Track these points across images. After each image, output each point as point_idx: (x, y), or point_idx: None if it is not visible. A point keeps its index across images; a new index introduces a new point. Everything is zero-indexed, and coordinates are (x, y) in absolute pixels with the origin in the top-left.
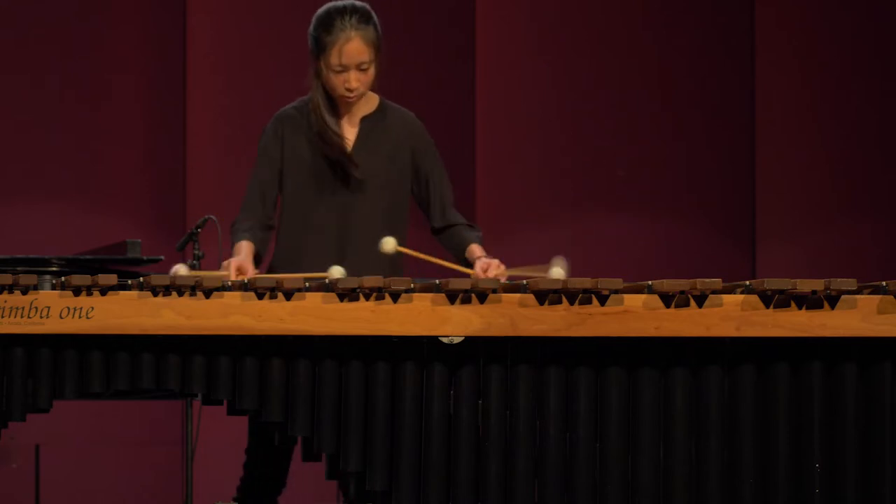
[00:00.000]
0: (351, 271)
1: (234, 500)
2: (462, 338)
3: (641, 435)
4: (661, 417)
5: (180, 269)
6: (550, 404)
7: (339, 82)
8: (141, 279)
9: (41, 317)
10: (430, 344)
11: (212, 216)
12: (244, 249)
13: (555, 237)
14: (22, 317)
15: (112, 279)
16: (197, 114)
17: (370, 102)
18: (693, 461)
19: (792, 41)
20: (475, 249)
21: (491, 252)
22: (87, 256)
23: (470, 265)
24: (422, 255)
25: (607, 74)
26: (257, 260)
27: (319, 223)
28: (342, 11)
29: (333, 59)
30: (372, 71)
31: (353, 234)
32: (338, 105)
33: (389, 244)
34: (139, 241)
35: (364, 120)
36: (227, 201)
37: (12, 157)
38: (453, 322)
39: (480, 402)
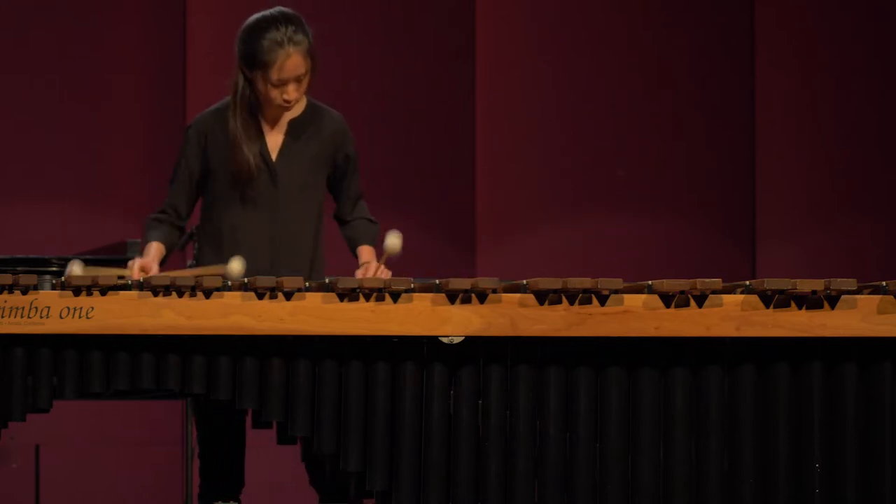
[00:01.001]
0: (278, 273)
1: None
2: (462, 338)
3: (641, 435)
4: (661, 417)
5: (75, 268)
6: (550, 404)
7: (276, 95)
8: (141, 279)
9: (41, 317)
10: (430, 344)
11: None
12: (153, 251)
13: (555, 237)
14: (22, 317)
15: (112, 279)
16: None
17: (298, 105)
18: (693, 461)
19: (792, 41)
20: (364, 252)
21: (491, 252)
22: (87, 256)
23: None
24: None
25: (607, 74)
26: (163, 261)
27: (243, 227)
28: (276, 23)
29: (274, 76)
30: (307, 79)
31: (278, 237)
32: (263, 111)
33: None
34: (139, 241)
35: (291, 123)
36: None
37: (12, 157)
38: (453, 322)
39: (480, 402)
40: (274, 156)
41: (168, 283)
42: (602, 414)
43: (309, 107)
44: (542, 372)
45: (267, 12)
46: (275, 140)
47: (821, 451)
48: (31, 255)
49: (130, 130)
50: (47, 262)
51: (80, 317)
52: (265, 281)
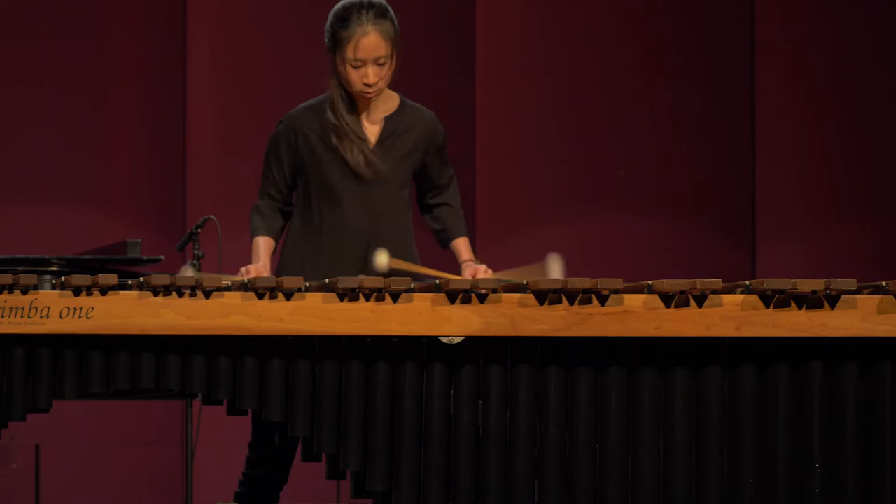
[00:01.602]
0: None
1: (236, 494)
2: (462, 338)
3: (641, 435)
4: (661, 417)
5: (188, 271)
6: (550, 404)
7: (356, 77)
8: (141, 279)
9: (41, 317)
10: (430, 344)
11: (212, 216)
12: (262, 251)
13: (555, 237)
14: (22, 317)
15: (112, 279)
16: (197, 114)
17: (391, 101)
18: (693, 461)
19: (792, 41)
20: (462, 249)
21: (491, 252)
22: (87, 256)
23: (447, 248)
24: (414, 268)
25: (607, 74)
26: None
27: (338, 222)
28: (359, 6)
29: (351, 54)
30: (389, 66)
31: (375, 232)
32: (357, 103)
33: (382, 260)
34: (139, 241)
35: (387, 119)
36: (227, 201)
37: (12, 157)
38: (453, 322)
39: (480, 402)
40: (369, 150)
41: (168, 283)
42: (602, 414)
43: (402, 104)
44: (542, 372)
45: None
46: (371, 134)
47: (821, 451)
48: (31, 255)
49: (131, 131)
50: (47, 262)
51: (80, 317)
52: (265, 281)
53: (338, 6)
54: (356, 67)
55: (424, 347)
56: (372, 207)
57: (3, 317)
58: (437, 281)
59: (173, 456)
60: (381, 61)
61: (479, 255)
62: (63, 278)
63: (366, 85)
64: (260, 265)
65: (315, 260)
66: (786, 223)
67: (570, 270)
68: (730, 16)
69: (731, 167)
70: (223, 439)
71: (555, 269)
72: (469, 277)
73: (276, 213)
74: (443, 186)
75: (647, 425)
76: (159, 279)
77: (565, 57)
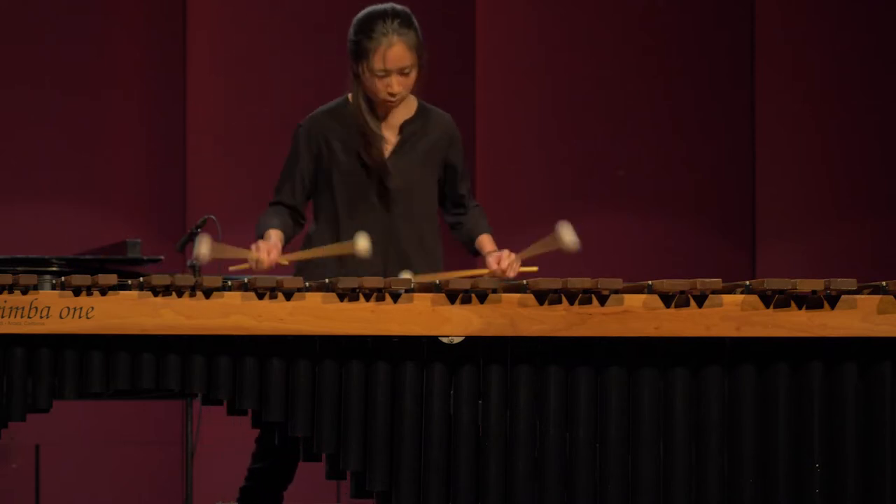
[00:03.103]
0: (395, 273)
1: (241, 490)
2: (462, 338)
3: (641, 435)
4: (661, 417)
5: (203, 246)
6: (550, 404)
7: (381, 87)
8: (141, 279)
9: (41, 317)
10: (430, 344)
11: (212, 216)
12: (273, 236)
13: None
14: (22, 317)
15: (112, 279)
16: (197, 115)
17: (409, 106)
18: (693, 461)
19: (792, 41)
20: (486, 242)
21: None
22: (87, 256)
23: (477, 254)
24: (438, 276)
25: (607, 74)
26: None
27: (356, 228)
28: (383, 15)
29: (377, 64)
30: (414, 75)
31: (393, 237)
32: (376, 108)
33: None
34: (139, 241)
35: (405, 125)
36: (228, 202)
37: (12, 157)
38: (453, 322)
39: (480, 402)
40: (388, 155)
41: (168, 283)
42: (602, 414)
43: (420, 108)
44: (542, 372)
45: (378, 6)
46: (388, 140)
47: (821, 451)
48: (31, 255)
49: (131, 130)
50: (47, 262)
51: (80, 317)
52: (265, 281)
53: (362, 15)
54: (381, 77)
55: (424, 347)
56: (394, 212)
57: (3, 317)
58: (437, 281)
59: (173, 456)
60: (406, 71)
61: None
62: (63, 278)
63: (390, 94)
64: (271, 243)
65: (337, 266)
66: (786, 223)
67: (570, 270)
68: (730, 16)
69: (731, 167)
70: (223, 439)
71: (566, 234)
72: (496, 264)
73: (289, 219)
74: (465, 196)
75: (647, 425)
76: (159, 279)
77: (565, 57)
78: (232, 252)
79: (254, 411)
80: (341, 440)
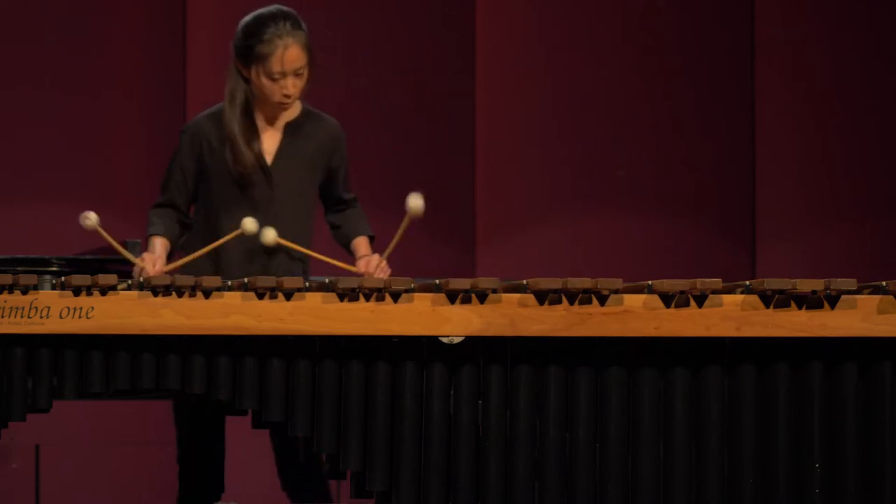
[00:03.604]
0: (275, 274)
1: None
2: (462, 338)
3: (641, 435)
4: (661, 417)
5: (91, 219)
6: (550, 404)
7: (276, 90)
8: (141, 279)
9: (41, 317)
10: (430, 344)
11: None
12: (158, 247)
13: (555, 237)
14: (22, 317)
15: (112, 279)
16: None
17: (293, 109)
18: (693, 461)
19: (792, 42)
20: (361, 245)
21: (491, 252)
22: (87, 256)
23: (353, 254)
24: (301, 249)
25: (607, 74)
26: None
27: (235, 230)
28: (275, 18)
29: (275, 67)
30: (306, 75)
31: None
32: (259, 113)
33: (270, 236)
34: (139, 241)
35: (288, 126)
36: None
37: (12, 157)
38: (453, 322)
39: (480, 402)
40: (270, 158)
41: (168, 283)
42: (602, 414)
43: (305, 111)
44: (542, 372)
45: (264, 9)
46: (271, 142)
47: (821, 451)
48: (31, 255)
49: (130, 130)
50: (47, 262)
51: (80, 317)
52: (265, 281)
53: (250, 19)
54: (276, 80)
55: (424, 347)
56: (273, 215)
57: (3, 317)
58: (437, 281)
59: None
60: (300, 71)
61: (479, 255)
62: (63, 278)
63: (285, 96)
64: (156, 254)
65: (214, 264)
66: (786, 223)
67: (570, 270)
68: (730, 16)
69: (731, 167)
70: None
71: (413, 200)
72: (363, 269)
73: (175, 223)
74: (349, 201)
75: (647, 425)
76: (159, 279)
77: (565, 57)
78: (111, 242)
79: (254, 411)
80: (341, 440)
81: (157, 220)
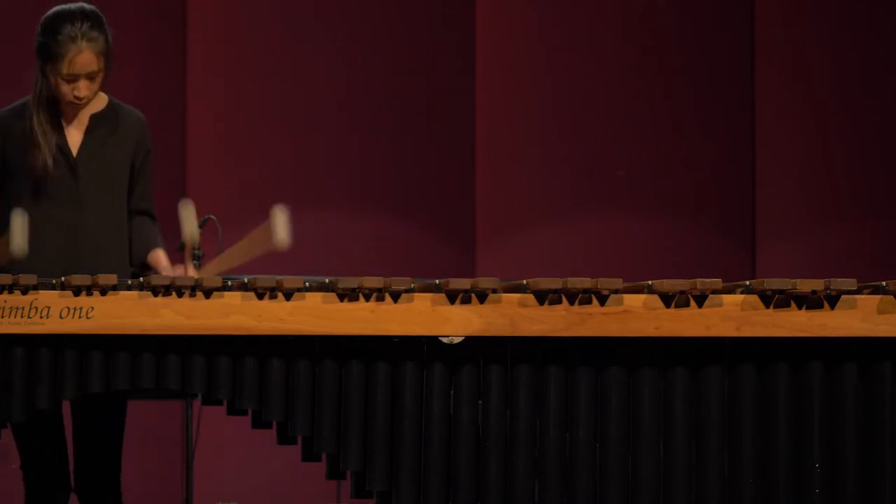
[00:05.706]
0: (82, 268)
1: None
2: (462, 338)
3: (641, 435)
4: (661, 417)
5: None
6: (550, 404)
7: (67, 90)
8: (141, 279)
9: (41, 317)
10: (430, 344)
11: (212, 216)
12: None
13: (555, 237)
14: (22, 317)
15: (112, 279)
16: (197, 114)
17: (99, 101)
18: (693, 461)
19: (792, 42)
20: (161, 258)
21: (491, 252)
22: None
23: (146, 267)
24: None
25: (607, 74)
26: None
27: (45, 223)
28: (72, 17)
29: (64, 69)
30: (101, 78)
31: (88, 234)
32: (64, 107)
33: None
34: None
35: (93, 118)
36: (227, 201)
37: None
38: (453, 322)
39: (480, 402)
40: (74, 151)
41: (168, 283)
42: (602, 414)
43: (110, 104)
44: (542, 372)
45: (67, 6)
46: (75, 135)
47: (821, 451)
48: None
49: None
50: None
51: (80, 317)
52: (265, 281)
53: (50, 15)
54: (68, 81)
55: (424, 347)
56: (86, 207)
57: (3, 317)
58: (437, 281)
59: (173, 456)
60: (93, 75)
61: (479, 255)
62: (63, 278)
63: (76, 97)
64: None
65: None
66: (786, 223)
67: (570, 270)
68: (730, 16)
69: (731, 167)
70: (223, 439)
71: (279, 223)
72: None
73: None
74: (140, 210)
75: (647, 425)
76: (159, 279)
77: (565, 57)
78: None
79: (254, 411)
80: (341, 440)
81: None
